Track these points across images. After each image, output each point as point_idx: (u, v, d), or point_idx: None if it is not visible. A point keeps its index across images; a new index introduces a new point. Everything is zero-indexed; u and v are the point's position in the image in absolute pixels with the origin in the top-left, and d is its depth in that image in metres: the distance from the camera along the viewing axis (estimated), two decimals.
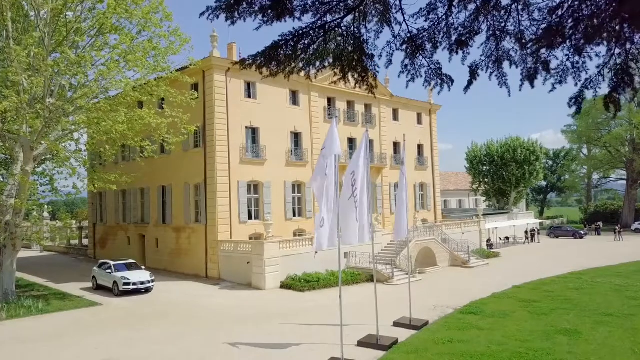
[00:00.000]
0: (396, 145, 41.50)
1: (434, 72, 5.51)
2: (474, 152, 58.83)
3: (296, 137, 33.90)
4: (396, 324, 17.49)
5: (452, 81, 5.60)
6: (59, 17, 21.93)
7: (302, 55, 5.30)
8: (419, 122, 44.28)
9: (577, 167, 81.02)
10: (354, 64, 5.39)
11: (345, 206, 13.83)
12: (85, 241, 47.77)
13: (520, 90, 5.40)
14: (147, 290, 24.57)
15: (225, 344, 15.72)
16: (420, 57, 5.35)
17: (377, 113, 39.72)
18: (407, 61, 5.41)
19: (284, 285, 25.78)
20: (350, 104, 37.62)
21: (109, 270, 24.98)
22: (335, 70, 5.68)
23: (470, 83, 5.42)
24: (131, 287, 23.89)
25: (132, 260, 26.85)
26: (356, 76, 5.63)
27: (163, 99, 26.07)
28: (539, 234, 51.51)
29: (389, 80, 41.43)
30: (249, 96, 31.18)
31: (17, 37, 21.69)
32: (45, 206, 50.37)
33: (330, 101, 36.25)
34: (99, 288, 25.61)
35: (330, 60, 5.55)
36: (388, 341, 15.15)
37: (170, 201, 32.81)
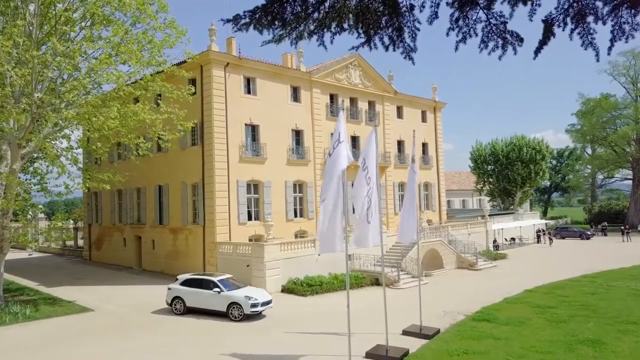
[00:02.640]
0: (400, 143, 40.35)
1: (494, 28, 4.23)
2: (478, 151, 57.70)
3: (297, 134, 32.76)
4: (405, 333, 16.38)
5: (522, 40, 4.34)
6: (49, 9, 20.83)
7: (315, 15, 4.12)
8: (424, 120, 43.11)
9: (581, 167, 79.86)
10: (384, 21, 4.17)
11: (360, 207, 12.69)
12: (81, 242, 46.59)
13: (609, 53, 4.24)
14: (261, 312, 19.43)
15: (223, 355, 14.60)
16: (477, 9, 4.11)
17: (381, 110, 38.56)
18: (457, 14, 4.18)
19: (285, 289, 24.65)
20: (353, 101, 36.47)
21: (218, 289, 19.28)
22: (360, 31, 4.44)
23: (543, 43, 4.14)
24: (259, 308, 18.83)
25: (228, 275, 21.57)
26: (386, 40, 4.40)
27: (159, 96, 24.91)
28: (544, 234, 50.39)
29: (393, 76, 40.24)
30: (249, 92, 30.03)
31: (4, 28, 20.58)
32: (40, 206, 49.21)
33: (332, 98, 35.09)
34: (189, 312, 19.86)
35: (352, 22, 4.36)
36: (398, 352, 14.04)
37: (167, 201, 31.66)
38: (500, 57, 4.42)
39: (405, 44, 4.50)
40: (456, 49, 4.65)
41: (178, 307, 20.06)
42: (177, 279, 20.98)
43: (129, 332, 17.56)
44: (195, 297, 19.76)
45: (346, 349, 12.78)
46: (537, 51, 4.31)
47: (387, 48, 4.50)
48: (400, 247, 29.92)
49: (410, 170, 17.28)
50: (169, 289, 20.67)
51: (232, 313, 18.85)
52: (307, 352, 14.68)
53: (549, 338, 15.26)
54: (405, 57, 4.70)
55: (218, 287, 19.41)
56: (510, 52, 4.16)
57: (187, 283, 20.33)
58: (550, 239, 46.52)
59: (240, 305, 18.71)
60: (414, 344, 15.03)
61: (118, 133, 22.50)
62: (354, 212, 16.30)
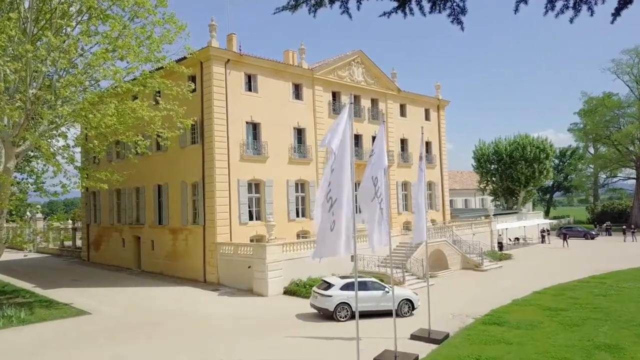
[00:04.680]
0: (403, 142, 39.72)
1: None
2: (481, 150, 57.05)
3: (299, 133, 32.14)
4: (414, 337, 15.78)
5: None
6: (44, 2, 20.20)
7: None
8: (427, 118, 42.44)
9: (584, 166, 79.25)
10: None
11: (371, 209, 12.03)
12: (79, 242, 45.96)
13: None
14: None
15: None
16: None
17: (384, 108, 37.93)
18: None
19: (288, 291, 24.03)
20: (356, 99, 35.81)
21: (387, 290, 18.93)
22: None
23: (627, 1, 3.42)
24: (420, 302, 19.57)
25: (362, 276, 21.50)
26: (425, 2, 3.67)
27: (159, 92, 24.28)
28: (549, 234, 49.79)
29: (396, 74, 39.57)
30: (250, 89, 29.42)
31: None
32: (38, 206, 48.63)
33: (335, 95, 34.47)
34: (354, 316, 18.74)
35: None
36: (407, 358, 13.44)
37: (167, 201, 31.04)
38: (571, 20, 3.66)
39: (454, 4, 3.72)
40: (516, 10, 3.89)
41: (343, 314, 18.63)
42: (330, 285, 19.26)
43: (124, 336, 16.93)
44: (365, 300, 18.40)
45: (353, 353, 12.18)
46: (617, 12, 3.54)
47: (430, 11, 3.73)
48: (404, 248, 29.32)
49: (418, 169, 16.67)
50: (328, 295, 18.75)
51: (402, 311, 19.03)
52: (311, 358, 14.08)
53: (564, 343, 14.65)
54: (452, 21, 3.92)
55: (384, 287, 19.33)
56: (584, 13, 3.44)
57: (349, 287, 18.70)
58: (565, 240, 44.49)
59: (411, 301, 19.39)
60: (423, 349, 14.43)
61: (116, 131, 21.85)
62: (359, 211, 15.62)
